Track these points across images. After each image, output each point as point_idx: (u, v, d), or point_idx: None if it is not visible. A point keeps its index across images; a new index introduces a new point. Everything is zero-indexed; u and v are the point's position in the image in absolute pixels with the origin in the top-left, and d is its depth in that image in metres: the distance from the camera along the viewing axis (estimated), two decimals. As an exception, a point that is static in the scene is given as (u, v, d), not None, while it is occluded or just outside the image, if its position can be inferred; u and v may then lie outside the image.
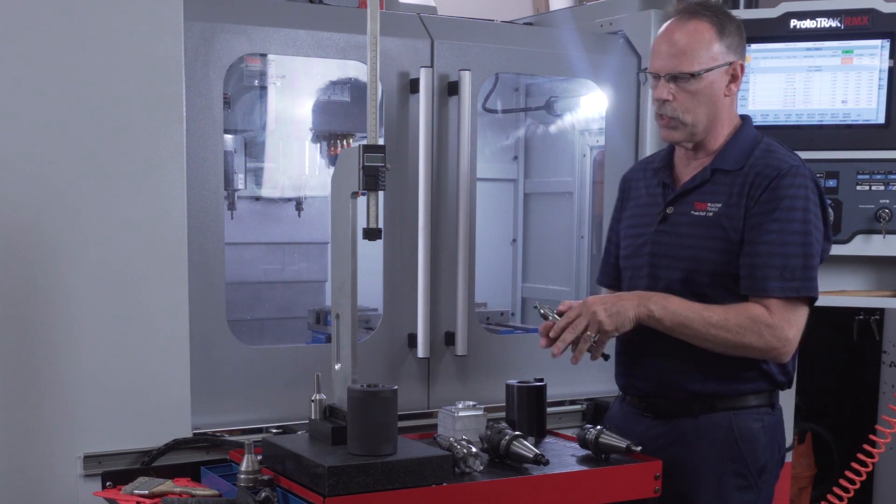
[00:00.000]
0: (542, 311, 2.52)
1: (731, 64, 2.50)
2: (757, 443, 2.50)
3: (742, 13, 3.25)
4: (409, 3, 3.39)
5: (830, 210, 2.58)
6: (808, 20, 3.11)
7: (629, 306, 2.44)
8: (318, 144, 3.53)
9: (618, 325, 2.44)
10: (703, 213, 2.51)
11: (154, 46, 2.52)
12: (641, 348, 2.57)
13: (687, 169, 2.60)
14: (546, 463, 2.38)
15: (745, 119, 2.61)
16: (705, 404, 2.51)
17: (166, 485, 2.37)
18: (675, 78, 2.48)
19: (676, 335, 2.45)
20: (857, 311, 3.61)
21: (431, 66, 2.98)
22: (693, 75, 2.47)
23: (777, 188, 2.43)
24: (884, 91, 3.07)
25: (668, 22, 2.55)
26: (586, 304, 2.47)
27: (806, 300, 2.42)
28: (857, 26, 3.07)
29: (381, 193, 2.39)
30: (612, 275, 2.80)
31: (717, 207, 2.49)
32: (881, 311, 3.60)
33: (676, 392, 2.54)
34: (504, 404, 2.80)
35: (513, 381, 2.78)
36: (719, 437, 2.50)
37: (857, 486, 2.80)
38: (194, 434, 2.63)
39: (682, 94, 2.49)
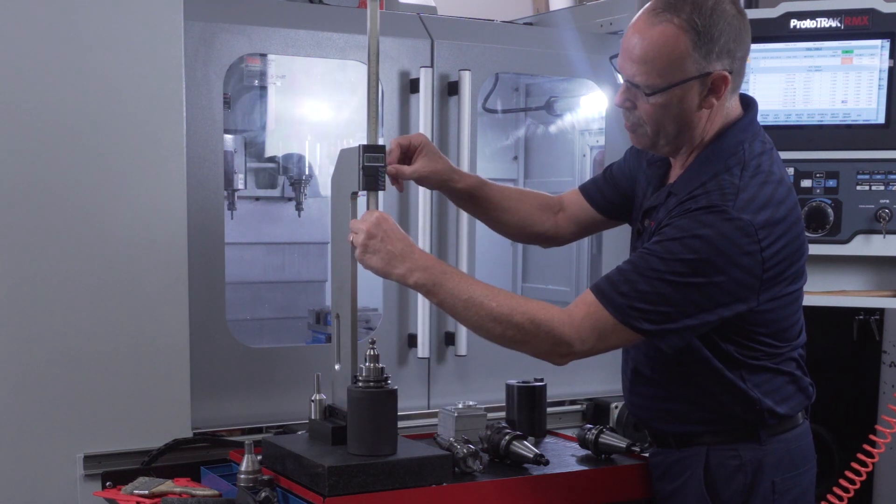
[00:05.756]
0: None
1: (708, 75, 2.09)
2: (727, 480, 2.21)
3: (742, 13, 3.25)
4: (409, 3, 3.39)
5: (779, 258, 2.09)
6: (808, 20, 3.10)
7: (391, 264, 2.18)
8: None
9: (374, 269, 2.20)
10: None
11: (154, 46, 2.52)
12: (624, 377, 2.41)
13: (675, 168, 2.28)
14: (546, 463, 2.38)
15: (734, 125, 2.18)
16: (682, 440, 2.28)
17: (166, 485, 2.37)
18: (635, 85, 2.12)
19: (457, 318, 2.20)
20: (857, 311, 3.60)
21: (431, 66, 2.98)
22: (650, 94, 2.10)
23: (676, 217, 2.09)
24: (884, 91, 3.06)
25: (639, 13, 2.12)
26: (378, 223, 2.21)
27: (620, 323, 2.07)
28: (857, 26, 3.06)
29: (381, 193, 2.39)
30: (595, 190, 2.54)
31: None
32: (881, 311, 3.59)
33: (649, 428, 2.39)
34: (504, 404, 2.80)
35: (513, 381, 2.78)
36: (689, 473, 2.25)
37: (857, 486, 2.80)
38: (194, 434, 2.63)
39: (643, 105, 2.13)
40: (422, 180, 2.47)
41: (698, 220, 2.05)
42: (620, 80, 2.17)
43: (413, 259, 2.18)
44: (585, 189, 2.59)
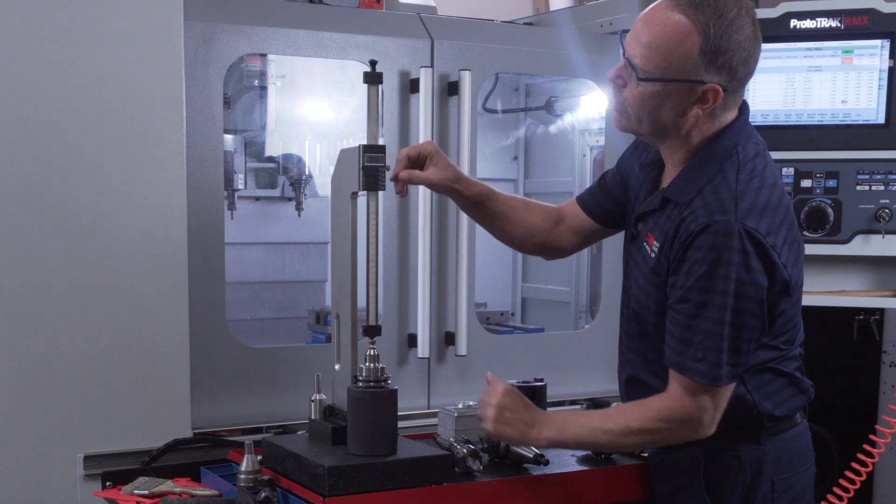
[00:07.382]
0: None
1: (701, 84, 2.07)
2: (728, 480, 2.22)
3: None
4: (409, 3, 3.39)
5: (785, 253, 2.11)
6: (808, 20, 3.11)
7: (525, 431, 2.24)
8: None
9: (508, 438, 2.29)
10: (649, 251, 2.22)
11: (154, 46, 2.52)
12: (620, 380, 2.44)
13: (667, 171, 2.28)
14: (546, 463, 2.38)
15: (727, 129, 2.17)
16: None
17: (166, 485, 2.37)
18: (632, 65, 2.12)
19: (593, 449, 2.41)
20: (857, 311, 3.60)
21: (431, 66, 2.98)
22: (642, 79, 2.10)
23: (687, 248, 2.08)
24: (884, 91, 3.06)
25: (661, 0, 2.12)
26: (508, 394, 2.27)
27: (713, 386, 2.11)
28: (857, 26, 3.06)
29: (381, 193, 2.39)
30: (591, 199, 2.54)
31: (658, 248, 2.19)
32: (881, 311, 3.59)
33: None
34: (504, 404, 2.79)
35: (513, 381, 2.76)
36: (689, 474, 2.27)
37: (857, 486, 2.80)
38: (194, 434, 2.63)
39: (631, 87, 2.13)
40: (431, 186, 2.47)
41: (712, 247, 2.05)
42: (622, 55, 2.17)
43: (541, 422, 2.24)
44: (581, 199, 2.58)
